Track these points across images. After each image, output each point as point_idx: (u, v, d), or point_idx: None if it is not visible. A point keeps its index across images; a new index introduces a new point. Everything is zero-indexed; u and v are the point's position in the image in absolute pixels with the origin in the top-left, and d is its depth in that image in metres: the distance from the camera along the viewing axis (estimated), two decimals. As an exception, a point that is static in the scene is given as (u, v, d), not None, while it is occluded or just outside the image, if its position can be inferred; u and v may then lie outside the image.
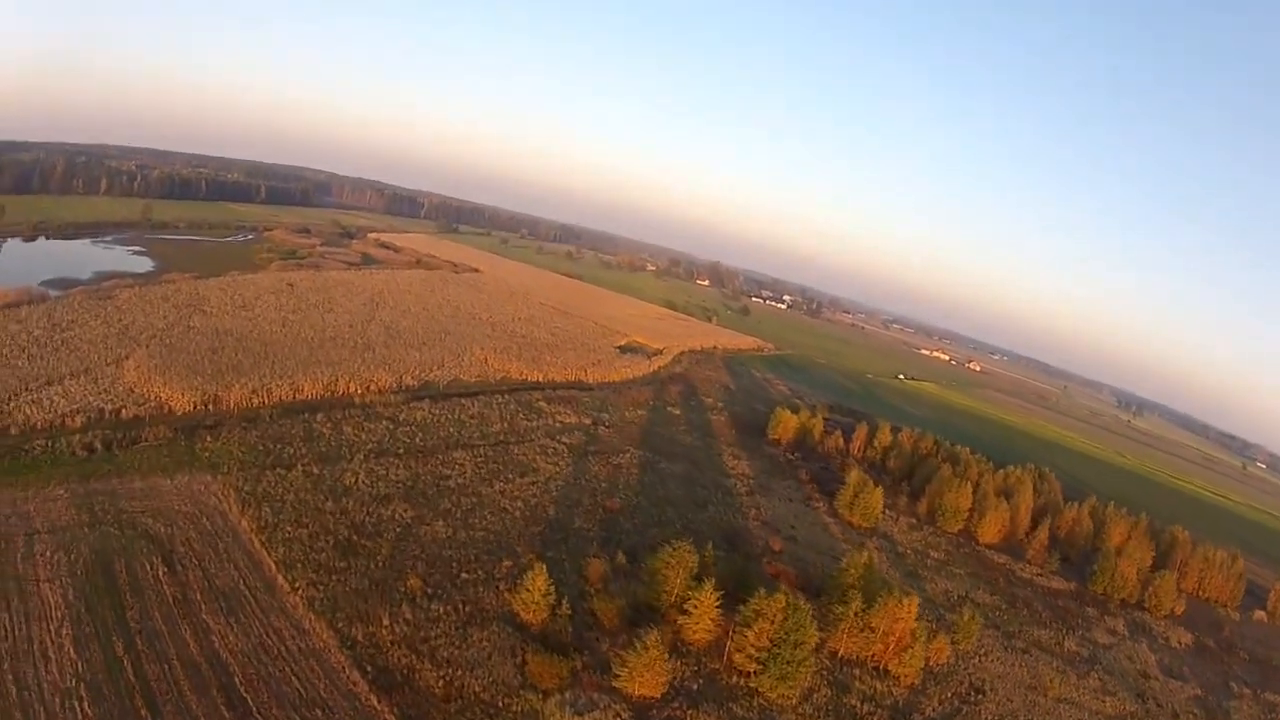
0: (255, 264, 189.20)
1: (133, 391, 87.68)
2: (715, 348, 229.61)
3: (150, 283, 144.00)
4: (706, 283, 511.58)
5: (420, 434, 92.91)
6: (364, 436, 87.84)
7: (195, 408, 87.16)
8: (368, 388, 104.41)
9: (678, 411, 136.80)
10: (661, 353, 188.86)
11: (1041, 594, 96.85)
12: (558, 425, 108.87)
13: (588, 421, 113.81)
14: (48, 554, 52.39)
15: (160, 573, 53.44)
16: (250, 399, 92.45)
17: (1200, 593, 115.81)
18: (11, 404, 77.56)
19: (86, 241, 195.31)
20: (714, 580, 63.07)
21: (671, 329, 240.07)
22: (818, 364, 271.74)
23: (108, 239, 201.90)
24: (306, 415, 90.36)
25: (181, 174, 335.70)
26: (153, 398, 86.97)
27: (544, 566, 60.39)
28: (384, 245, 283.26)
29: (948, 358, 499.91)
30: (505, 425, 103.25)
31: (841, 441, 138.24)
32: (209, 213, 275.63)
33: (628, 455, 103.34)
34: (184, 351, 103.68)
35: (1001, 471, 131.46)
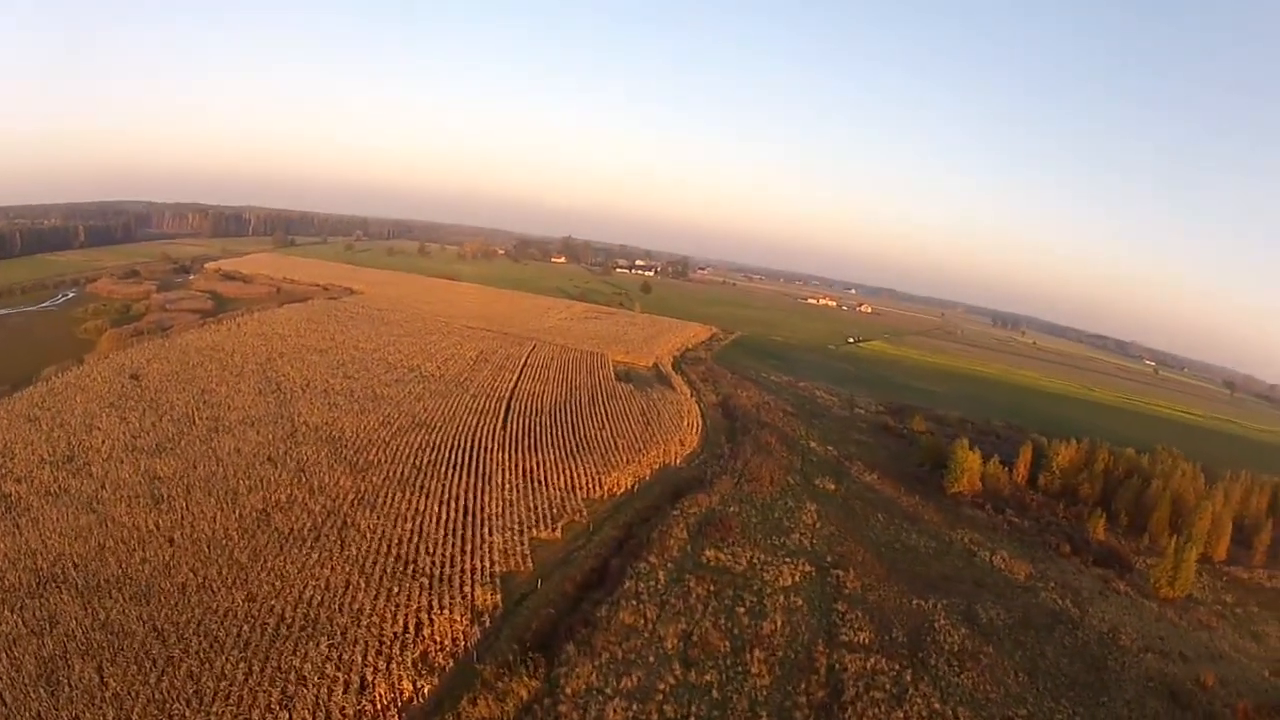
0: (80, 340, 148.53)
1: None
2: (688, 347, 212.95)
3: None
4: (564, 260, 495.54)
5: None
6: None
7: None
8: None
9: (831, 485, 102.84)
10: (664, 374, 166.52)
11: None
12: (789, 600, 66.59)
13: (809, 568, 74.65)
14: None
15: None
16: None
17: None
18: None
19: None
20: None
21: (623, 331, 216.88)
22: (776, 342, 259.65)
23: None
24: None
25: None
26: None
27: None
28: (229, 276, 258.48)
29: (835, 303, 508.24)
30: (769, 678, 54.09)
31: (1004, 471, 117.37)
32: (24, 271, 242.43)
33: (936, 622, 66.96)
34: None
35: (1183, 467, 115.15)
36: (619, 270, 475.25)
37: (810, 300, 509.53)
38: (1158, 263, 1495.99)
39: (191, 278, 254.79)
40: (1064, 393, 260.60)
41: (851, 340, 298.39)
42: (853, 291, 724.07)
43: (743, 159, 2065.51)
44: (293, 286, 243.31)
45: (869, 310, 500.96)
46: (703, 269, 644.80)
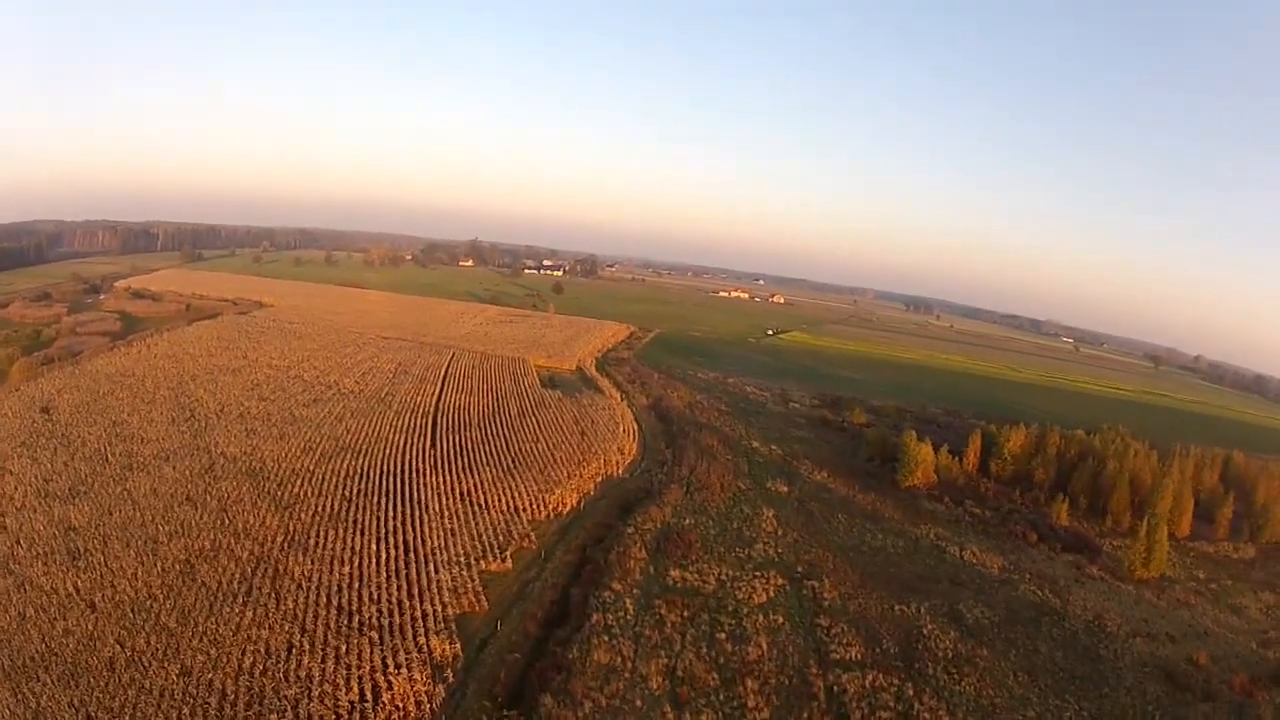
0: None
1: None
2: (609, 348, 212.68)
3: None
4: (471, 263, 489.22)
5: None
6: None
7: None
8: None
9: (783, 488, 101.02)
10: (589, 378, 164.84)
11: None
12: (769, 618, 64.23)
13: (781, 581, 71.62)
14: None
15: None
16: None
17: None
18: None
19: None
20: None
21: (541, 334, 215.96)
22: (695, 337, 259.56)
23: None
24: None
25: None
26: None
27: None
28: (139, 294, 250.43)
29: (747, 295, 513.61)
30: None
31: (954, 460, 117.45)
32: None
33: (924, 628, 65.47)
34: None
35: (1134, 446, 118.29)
36: (528, 271, 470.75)
37: (722, 294, 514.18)
38: (1068, 241, 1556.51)
39: (102, 297, 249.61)
40: (992, 375, 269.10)
41: (771, 332, 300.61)
42: (761, 282, 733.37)
43: (642, 155, 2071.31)
44: (202, 302, 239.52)
45: (782, 301, 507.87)
46: (611, 266, 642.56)
